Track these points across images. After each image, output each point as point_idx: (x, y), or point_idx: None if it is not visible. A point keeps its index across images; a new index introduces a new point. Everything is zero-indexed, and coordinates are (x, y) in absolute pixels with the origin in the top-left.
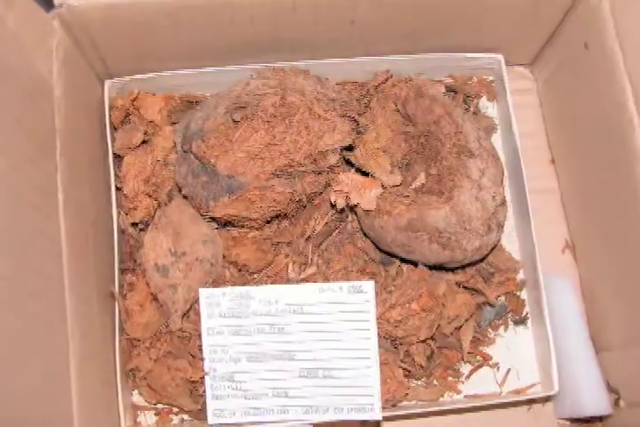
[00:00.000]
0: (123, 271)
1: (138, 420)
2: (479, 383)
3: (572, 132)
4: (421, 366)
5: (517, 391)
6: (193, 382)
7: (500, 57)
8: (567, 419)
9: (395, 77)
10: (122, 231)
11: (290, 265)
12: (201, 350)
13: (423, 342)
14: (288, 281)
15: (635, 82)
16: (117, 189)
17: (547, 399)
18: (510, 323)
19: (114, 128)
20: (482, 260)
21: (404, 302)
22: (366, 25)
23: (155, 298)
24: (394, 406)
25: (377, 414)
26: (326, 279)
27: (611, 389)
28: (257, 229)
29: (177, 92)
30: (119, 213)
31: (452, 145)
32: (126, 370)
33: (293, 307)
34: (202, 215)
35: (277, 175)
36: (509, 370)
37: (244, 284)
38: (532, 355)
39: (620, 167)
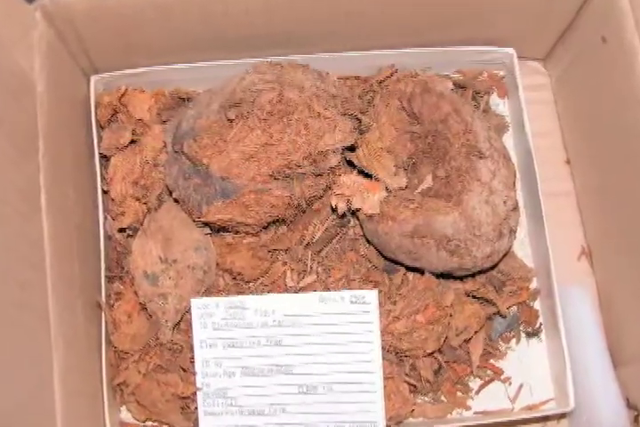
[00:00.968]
0: (110, 280)
1: None
2: (490, 399)
3: (588, 130)
4: (428, 381)
5: (530, 408)
6: (184, 397)
7: (512, 51)
8: None
9: (400, 72)
10: (108, 237)
11: (288, 273)
12: (193, 363)
13: (430, 355)
14: (286, 290)
15: None
16: (104, 192)
17: (562, 416)
18: (523, 335)
19: (100, 127)
20: (492, 268)
21: (409, 313)
22: (370, 16)
23: (143, 308)
24: (398, 423)
25: None
26: (326, 288)
27: (629, 405)
28: (253, 234)
29: (167, 88)
30: (106, 218)
31: (461, 145)
32: (113, 385)
33: (291, 318)
34: (194, 220)
35: (275, 177)
36: (522, 385)
37: (238, 293)
38: (545, 369)
39: None
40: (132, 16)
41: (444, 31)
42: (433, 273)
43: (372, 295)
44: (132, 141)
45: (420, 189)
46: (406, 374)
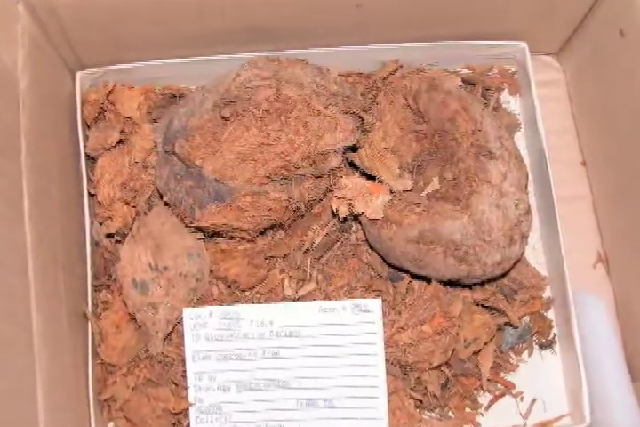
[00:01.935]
0: (96, 288)
1: None
2: (500, 415)
3: (605, 129)
4: (435, 396)
5: (544, 424)
6: (176, 413)
7: (524, 45)
8: None
9: (405, 68)
10: (95, 243)
11: (286, 281)
12: (185, 377)
13: (437, 368)
14: (284, 299)
15: None
16: (90, 195)
17: None
18: (535, 347)
19: (86, 126)
20: (503, 275)
21: (414, 324)
22: (373, 8)
23: (132, 318)
24: None
25: None
26: (327, 297)
27: None
28: (249, 240)
29: (158, 84)
30: (92, 223)
31: (470, 145)
32: (100, 400)
33: (290, 329)
34: (186, 225)
35: (272, 179)
36: (535, 400)
37: (233, 302)
38: (560, 383)
39: None
40: (121, 8)
41: (452, 24)
42: (440, 281)
43: (375, 305)
44: (121, 141)
45: (426, 192)
46: (412, 389)
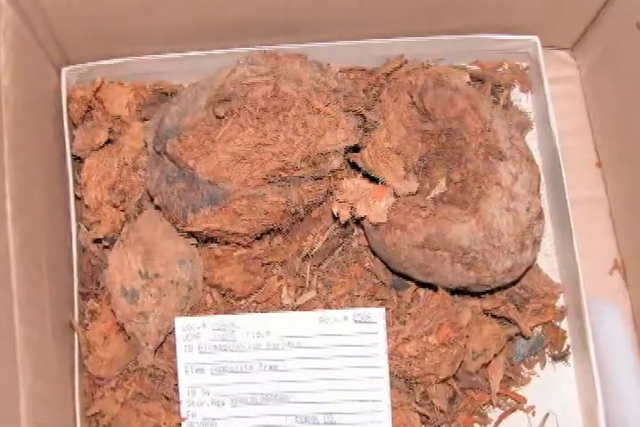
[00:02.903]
0: (83, 296)
1: None
2: None
3: (622, 128)
4: (442, 411)
5: None
6: None
7: (536, 39)
8: None
9: (409, 63)
10: (82, 249)
11: (284, 289)
12: (177, 391)
13: (444, 381)
14: (282, 308)
15: None
16: (77, 198)
17: None
18: (548, 359)
19: (73, 125)
20: (514, 283)
21: (420, 334)
22: (376, 0)
23: (121, 329)
24: None
25: None
26: (327, 306)
27: None
28: (244, 246)
29: (148, 81)
30: (79, 228)
31: (479, 145)
32: (87, 415)
33: (288, 340)
34: (178, 230)
35: (269, 182)
36: (547, 415)
37: (228, 312)
38: (574, 397)
39: None
40: (109, 0)
41: (460, 17)
42: (447, 289)
43: (378, 314)
44: (109, 141)
45: (432, 195)
46: (417, 403)
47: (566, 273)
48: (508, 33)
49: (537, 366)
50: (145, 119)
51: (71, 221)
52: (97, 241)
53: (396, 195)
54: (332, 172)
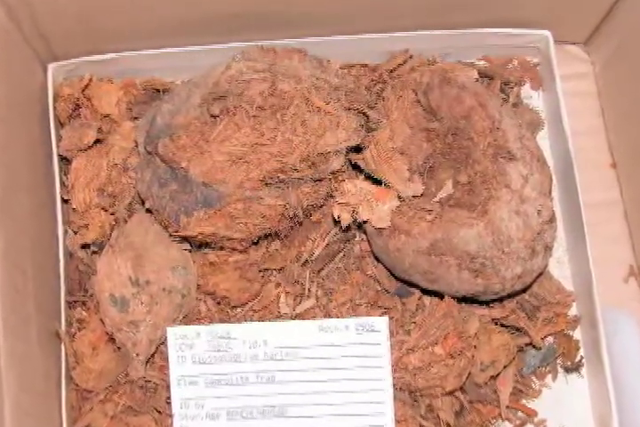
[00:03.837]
0: (71, 305)
1: None
2: None
3: (638, 128)
4: (448, 425)
5: None
6: None
7: (548, 33)
8: None
9: (414, 59)
10: (69, 254)
11: (282, 297)
12: (169, 404)
13: (450, 394)
14: (279, 317)
15: None
16: (64, 201)
17: None
18: (560, 370)
19: (59, 124)
20: (524, 291)
21: (425, 345)
22: None
23: (111, 338)
24: None
25: None
26: (328, 315)
27: None
28: (240, 251)
29: (139, 78)
30: (66, 232)
31: (487, 145)
32: None
33: (286, 350)
34: (170, 234)
35: (266, 184)
36: None
37: (223, 321)
38: (587, 410)
39: None
40: None
41: (467, 10)
42: (454, 297)
43: (381, 323)
44: (98, 141)
45: (438, 198)
46: (422, 417)
47: (579, 280)
48: (518, 27)
49: (548, 378)
50: (135, 118)
51: (58, 225)
52: (85, 246)
53: (399, 197)
54: (333, 173)
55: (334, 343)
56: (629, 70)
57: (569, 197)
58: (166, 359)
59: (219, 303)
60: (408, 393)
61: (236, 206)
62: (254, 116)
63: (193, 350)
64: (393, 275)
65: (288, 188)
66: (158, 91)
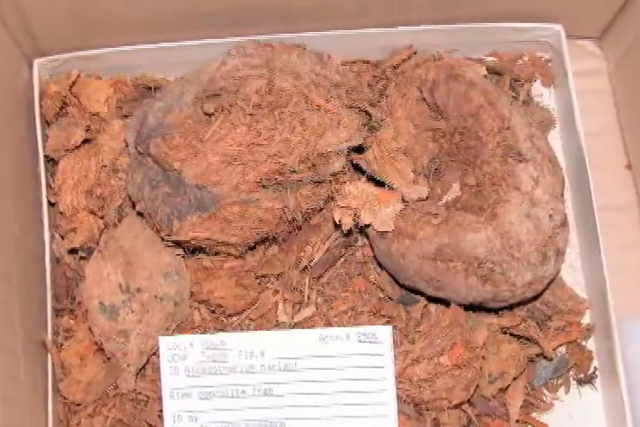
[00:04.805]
0: (58, 313)
1: None
2: None
3: None
4: None
5: None
6: None
7: (560, 28)
8: None
9: (419, 55)
10: (56, 260)
11: (280, 305)
12: (161, 417)
13: (457, 407)
14: (277, 326)
15: None
16: (50, 204)
17: None
18: (573, 382)
19: (46, 123)
20: (535, 298)
21: (431, 355)
22: None
23: (100, 348)
24: None
25: None
26: (328, 324)
27: None
28: (236, 257)
29: (130, 74)
30: (53, 237)
31: (496, 145)
32: None
33: (284, 361)
34: (163, 239)
35: (263, 186)
36: None
37: (218, 330)
38: (601, 424)
39: None
40: None
41: (475, 3)
42: (461, 305)
43: (384, 333)
44: (86, 141)
45: (444, 201)
46: None
47: (593, 287)
48: (529, 21)
49: (560, 391)
50: (126, 117)
51: (44, 229)
52: (72, 251)
53: (404, 200)
54: (334, 175)
55: (335, 354)
56: None
57: (582, 199)
58: (158, 371)
59: (213, 312)
60: (413, 406)
61: (231, 210)
62: (251, 114)
63: (186, 361)
64: (397, 281)
65: (286, 190)
66: (150, 88)
